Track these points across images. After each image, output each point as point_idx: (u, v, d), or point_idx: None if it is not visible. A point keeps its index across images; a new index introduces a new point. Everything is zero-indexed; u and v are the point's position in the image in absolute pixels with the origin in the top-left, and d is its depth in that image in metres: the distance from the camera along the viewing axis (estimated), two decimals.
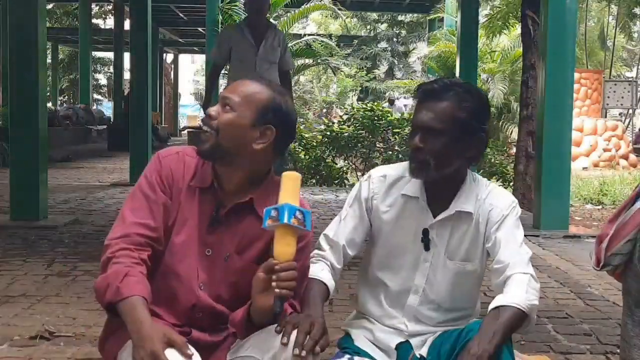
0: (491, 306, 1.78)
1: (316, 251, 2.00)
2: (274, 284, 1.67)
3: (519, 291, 1.78)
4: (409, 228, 1.95)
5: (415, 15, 23.13)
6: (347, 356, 1.92)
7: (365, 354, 1.94)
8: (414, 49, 22.49)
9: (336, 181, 9.79)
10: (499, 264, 1.87)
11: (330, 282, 1.94)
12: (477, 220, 1.93)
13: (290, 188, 1.74)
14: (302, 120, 17.81)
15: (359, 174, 9.98)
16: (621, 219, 2.03)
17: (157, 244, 1.79)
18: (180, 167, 1.86)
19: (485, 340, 1.67)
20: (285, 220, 1.66)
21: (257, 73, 5.59)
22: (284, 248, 1.69)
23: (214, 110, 1.82)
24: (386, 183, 1.98)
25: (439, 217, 1.93)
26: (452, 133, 1.84)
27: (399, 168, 2.00)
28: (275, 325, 1.70)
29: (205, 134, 1.81)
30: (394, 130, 9.79)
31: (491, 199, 1.93)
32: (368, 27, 26.99)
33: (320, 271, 1.93)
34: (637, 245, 1.97)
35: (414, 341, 1.94)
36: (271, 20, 6.20)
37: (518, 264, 1.84)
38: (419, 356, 1.92)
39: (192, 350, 1.67)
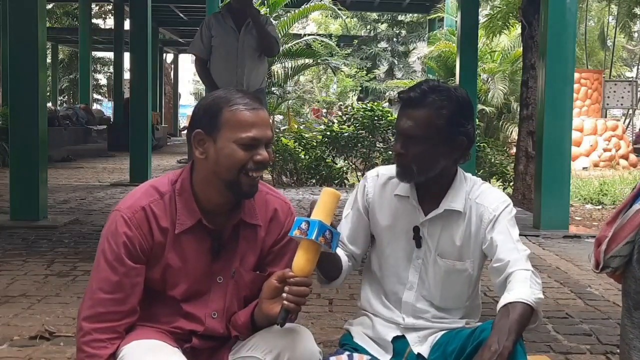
0: (500, 305, 1.80)
1: None
2: (284, 294, 1.66)
3: (524, 287, 1.81)
4: (402, 226, 1.99)
5: (415, 15, 23.11)
6: (347, 353, 1.95)
7: (364, 351, 1.97)
8: (414, 49, 22.45)
9: (336, 181, 9.79)
10: (498, 262, 1.90)
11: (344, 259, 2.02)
12: (468, 220, 1.96)
13: (327, 205, 1.73)
14: (302, 120, 17.81)
15: (359, 174, 9.98)
16: (619, 220, 2.02)
17: (131, 315, 1.74)
18: (154, 223, 1.74)
19: (504, 337, 1.70)
20: (313, 237, 1.66)
21: (240, 60, 5.40)
22: (303, 263, 1.68)
23: None
24: (379, 182, 2.04)
25: (429, 215, 1.97)
26: (432, 140, 1.88)
27: (393, 168, 2.03)
28: (278, 324, 1.69)
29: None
30: (394, 130, 9.78)
31: (482, 199, 1.97)
32: (368, 27, 26.92)
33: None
34: (636, 247, 1.97)
35: (410, 336, 1.97)
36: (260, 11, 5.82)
37: (518, 261, 1.88)
38: (416, 353, 1.94)
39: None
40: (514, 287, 1.82)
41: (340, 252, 2.00)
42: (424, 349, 1.94)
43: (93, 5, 22.89)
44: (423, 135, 1.87)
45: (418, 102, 1.89)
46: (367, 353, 1.96)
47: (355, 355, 1.93)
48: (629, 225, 1.98)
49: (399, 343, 1.97)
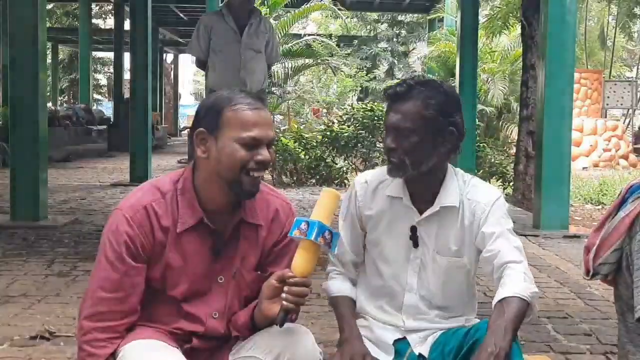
0: (495, 300, 1.79)
1: (331, 267, 2.08)
2: (283, 295, 1.66)
3: (518, 281, 1.81)
4: (397, 227, 1.99)
5: (415, 15, 23.09)
6: None
7: None
8: (414, 49, 22.43)
9: (336, 181, 9.80)
10: (488, 252, 1.90)
11: (354, 293, 2.06)
12: (462, 215, 1.96)
13: (327, 205, 1.73)
14: (302, 120, 17.81)
15: (359, 174, 9.97)
16: (606, 228, 2.04)
17: (132, 315, 1.74)
18: (155, 222, 1.73)
19: (500, 338, 1.69)
20: (312, 238, 1.66)
21: (242, 62, 5.47)
22: (303, 263, 1.68)
23: None
24: (369, 188, 2.02)
25: (425, 214, 1.96)
26: (422, 131, 1.88)
27: (380, 172, 2.03)
28: (277, 325, 1.69)
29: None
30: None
31: (474, 195, 1.96)
32: (368, 27, 26.89)
33: (342, 285, 2.05)
34: (624, 254, 1.98)
35: (411, 338, 1.97)
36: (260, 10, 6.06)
37: (509, 252, 1.87)
38: (417, 354, 1.94)
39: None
40: (508, 281, 1.81)
41: (346, 285, 2.05)
42: (424, 349, 1.94)
43: (93, 5, 22.89)
44: (412, 127, 1.87)
45: (404, 96, 1.89)
46: None
47: None
48: (615, 233, 2.00)
49: (400, 344, 1.96)
